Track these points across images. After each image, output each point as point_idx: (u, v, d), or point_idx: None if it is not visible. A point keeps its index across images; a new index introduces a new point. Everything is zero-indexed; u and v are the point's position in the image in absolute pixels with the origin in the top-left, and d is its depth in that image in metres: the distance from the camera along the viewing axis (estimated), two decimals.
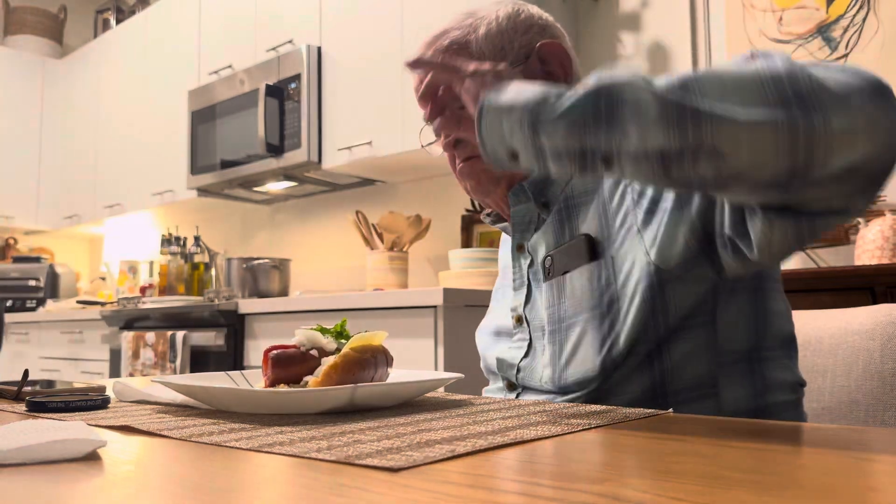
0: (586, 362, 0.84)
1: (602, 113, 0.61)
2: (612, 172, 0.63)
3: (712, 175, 0.59)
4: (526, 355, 0.94)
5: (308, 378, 0.76)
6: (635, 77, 0.61)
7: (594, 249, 0.87)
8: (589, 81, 0.63)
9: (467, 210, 2.93)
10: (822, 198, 0.61)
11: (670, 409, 0.75)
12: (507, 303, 1.01)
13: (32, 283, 4.23)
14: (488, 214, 1.05)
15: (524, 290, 0.96)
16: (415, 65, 0.81)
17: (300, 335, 0.80)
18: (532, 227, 0.97)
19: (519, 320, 0.96)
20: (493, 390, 1.02)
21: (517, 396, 0.95)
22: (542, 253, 0.94)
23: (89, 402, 0.75)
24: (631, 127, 0.59)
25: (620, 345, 0.82)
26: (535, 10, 0.99)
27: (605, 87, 0.61)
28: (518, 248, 0.98)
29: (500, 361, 0.98)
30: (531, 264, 0.96)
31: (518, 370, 0.94)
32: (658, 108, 0.58)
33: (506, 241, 1.09)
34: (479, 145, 0.69)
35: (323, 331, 0.81)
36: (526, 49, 0.95)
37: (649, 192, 0.83)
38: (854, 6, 2.03)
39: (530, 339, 0.94)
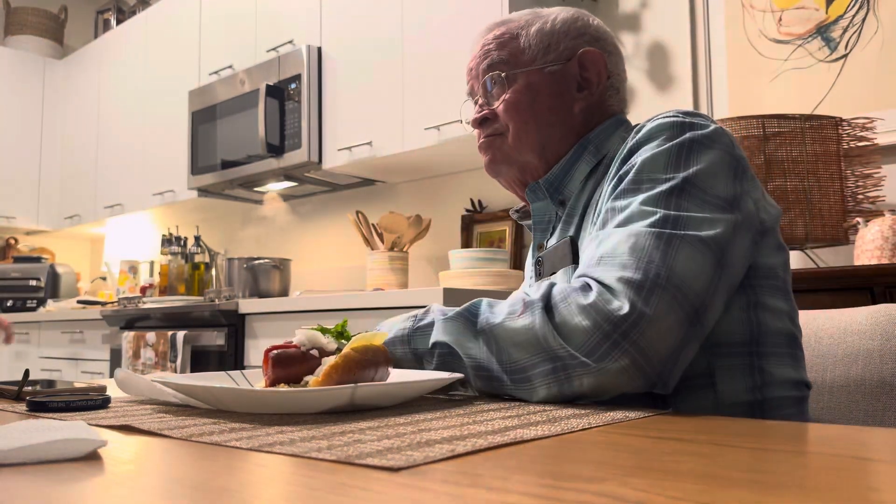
0: None
1: (449, 355, 0.85)
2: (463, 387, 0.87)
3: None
4: None
5: (308, 378, 0.76)
6: (460, 323, 0.84)
7: (575, 253, 0.93)
8: (435, 329, 0.86)
9: (467, 210, 2.93)
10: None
11: (670, 409, 0.75)
12: None
13: (33, 283, 4.23)
14: (517, 210, 1.13)
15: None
16: None
17: (300, 335, 0.80)
18: (551, 226, 1.03)
19: None
20: None
21: None
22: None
23: (90, 401, 0.75)
24: (471, 373, 0.83)
25: None
26: (595, 22, 1.06)
27: (437, 335, 0.85)
28: (539, 247, 1.04)
29: None
30: None
31: None
32: (474, 377, 0.82)
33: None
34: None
35: (323, 331, 0.81)
36: (570, 52, 1.02)
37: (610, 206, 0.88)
38: (854, 6, 2.03)
39: None
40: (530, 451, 0.49)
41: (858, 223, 1.75)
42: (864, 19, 2.02)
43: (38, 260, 4.40)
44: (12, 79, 4.50)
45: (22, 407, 0.77)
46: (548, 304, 0.77)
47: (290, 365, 0.77)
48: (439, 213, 3.03)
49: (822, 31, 2.08)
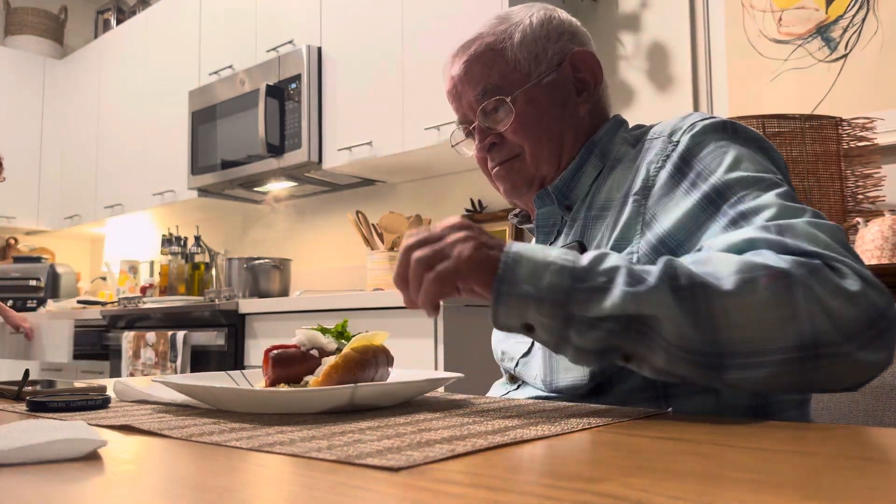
0: (576, 370, 0.84)
1: (633, 328, 0.66)
2: (631, 366, 0.70)
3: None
4: (527, 353, 0.95)
5: (308, 378, 0.76)
6: (663, 287, 0.65)
7: None
8: (619, 273, 0.67)
9: (467, 210, 2.93)
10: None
11: (670, 409, 0.75)
12: None
13: (33, 283, 4.23)
14: (515, 214, 1.10)
15: None
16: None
17: (300, 335, 0.80)
18: (555, 230, 1.01)
19: None
20: (500, 382, 1.04)
21: (517, 388, 0.97)
22: None
23: (90, 401, 0.75)
24: (659, 353, 0.66)
25: None
26: (564, 15, 1.03)
27: (637, 307, 0.65)
28: None
29: (503, 353, 1.01)
30: None
31: (517, 364, 0.96)
32: (687, 353, 0.65)
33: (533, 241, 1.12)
34: (492, 317, 0.70)
35: (323, 331, 0.81)
36: (559, 56, 0.99)
37: (660, 233, 0.83)
38: (854, 6, 2.03)
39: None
40: (530, 451, 0.49)
41: (858, 223, 1.75)
42: (864, 19, 2.02)
43: (38, 260, 4.40)
44: (12, 79, 4.50)
45: (22, 407, 0.77)
46: (800, 277, 0.64)
47: (290, 365, 0.77)
48: (439, 213, 3.03)
49: (822, 31, 2.08)
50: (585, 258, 0.69)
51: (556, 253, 0.69)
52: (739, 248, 0.71)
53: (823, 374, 0.64)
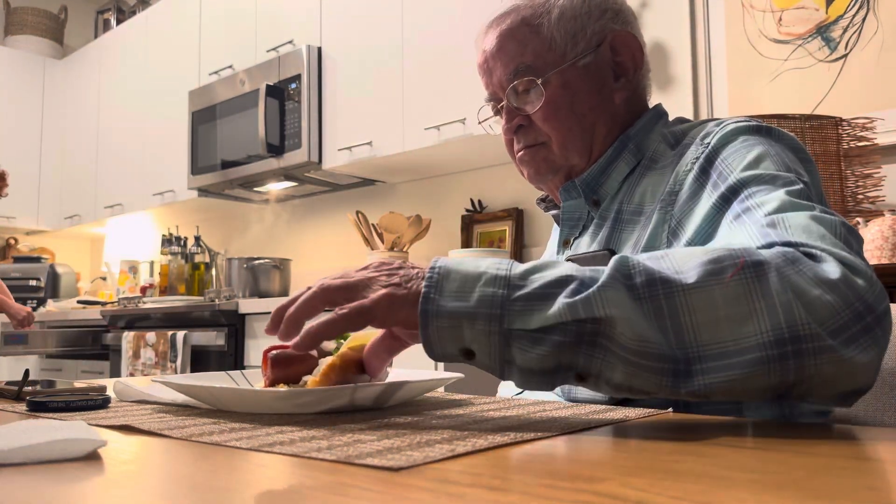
0: None
1: (586, 338, 0.57)
2: (587, 386, 0.60)
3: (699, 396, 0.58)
4: None
5: (307, 378, 0.76)
6: (616, 285, 0.57)
7: None
8: (567, 281, 0.58)
9: (467, 210, 2.93)
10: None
11: (670, 409, 0.74)
12: None
13: (33, 283, 4.23)
14: (542, 200, 1.05)
15: None
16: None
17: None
18: (581, 224, 0.96)
19: None
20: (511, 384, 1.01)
21: (521, 392, 0.94)
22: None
23: (90, 401, 0.75)
24: (617, 366, 0.57)
25: None
26: None
27: (588, 309, 0.56)
28: (564, 243, 0.98)
29: None
30: None
31: None
32: (648, 360, 0.56)
33: (556, 230, 1.08)
34: (424, 347, 0.61)
35: None
36: (598, 36, 0.93)
37: (683, 242, 0.79)
38: (854, 6, 2.03)
39: None
40: (530, 451, 0.49)
41: (858, 223, 1.75)
42: (864, 19, 2.02)
43: (38, 260, 4.41)
44: (12, 79, 4.50)
45: (22, 407, 0.77)
46: (775, 266, 0.57)
47: (289, 365, 0.77)
48: (439, 213, 3.03)
49: (822, 31, 2.08)
50: (523, 266, 0.61)
51: (490, 262, 0.61)
52: (723, 244, 0.67)
53: (808, 375, 0.55)
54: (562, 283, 0.58)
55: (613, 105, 0.94)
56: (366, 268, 0.66)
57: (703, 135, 0.85)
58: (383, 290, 0.62)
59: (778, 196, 0.70)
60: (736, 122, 0.84)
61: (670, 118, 1.00)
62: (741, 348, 0.55)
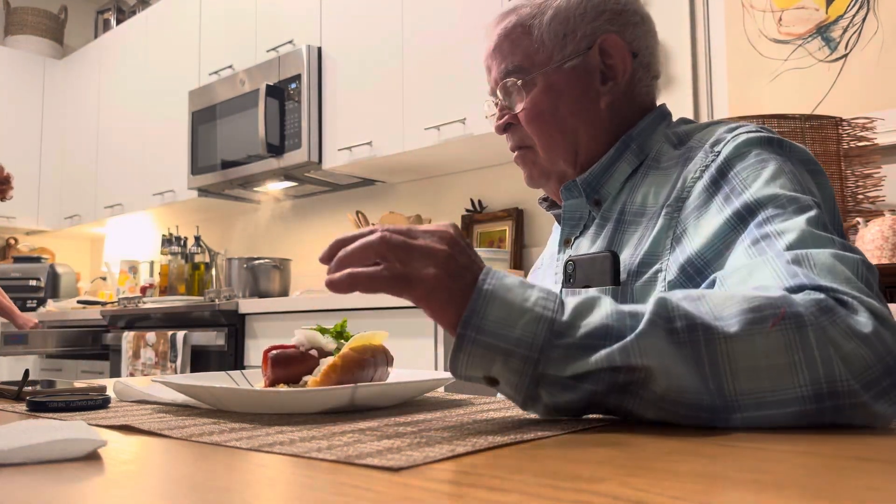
0: None
1: (618, 386, 0.58)
2: (615, 415, 0.62)
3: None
4: None
5: (307, 378, 0.76)
6: (655, 332, 0.57)
7: (617, 271, 0.83)
8: (610, 330, 0.58)
9: (467, 210, 2.93)
10: None
11: None
12: None
13: (33, 283, 4.23)
14: (544, 199, 1.05)
15: (560, 286, 0.93)
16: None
17: (300, 335, 0.80)
18: (582, 224, 0.96)
19: None
20: None
21: None
22: (580, 254, 0.92)
23: (90, 401, 0.75)
24: (649, 408, 0.58)
25: None
26: None
27: (625, 357, 0.56)
28: (565, 242, 0.98)
29: None
30: None
31: None
32: (684, 407, 0.57)
33: (557, 228, 1.07)
34: (450, 365, 0.60)
35: (322, 331, 0.81)
36: (588, 39, 0.92)
37: (689, 252, 0.78)
38: (854, 6, 2.03)
39: None
40: (530, 451, 0.49)
41: (858, 223, 1.75)
42: (864, 19, 2.02)
43: (38, 260, 4.40)
44: (12, 79, 4.50)
45: (22, 407, 0.77)
46: (814, 316, 0.58)
47: (289, 365, 0.77)
48: (439, 213, 3.03)
49: (822, 31, 2.08)
50: (570, 306, 0.60)
51: (537, 296, 0.59)
52: (745, 277, 0.67)
53: (838, 424, 0.57)
54: (605, 333, 0.58)
55: (598, 109, 0.93)
56: (434, 232, 0.63)
57: (713, 141, 0.84)
58: (434, 271, 0.60)
59: (797, 225, 0.70)
60: (748, 133, 0.83)
61: (672, 119, 0.99)
62: (780, 400, 0.56)
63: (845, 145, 1.84)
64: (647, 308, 0.58)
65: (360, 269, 0.60)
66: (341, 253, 0.62)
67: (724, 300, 0.59)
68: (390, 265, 0.60)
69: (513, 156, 1.00)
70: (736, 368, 0.56)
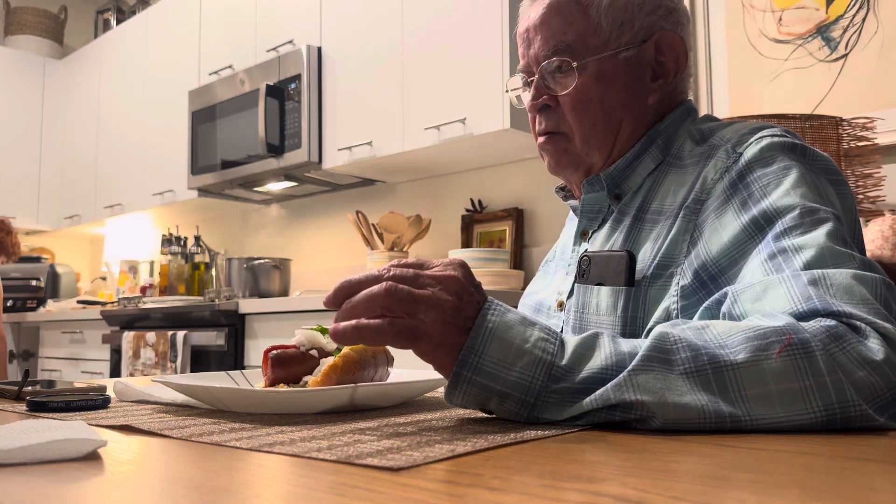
0: None
1: (617, 416, 0.58)
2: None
3: None
4: None
5: (308, 378, 0.76)
6: (649, 367, 0.57)
7: (632, 272, 0.82)
8: (607, 373, 0.58)
9: (467, 210, 2.93)
10: None
11: None
12: (556, 282, 0.98)
13: (33, 283, 4.23)
14: (561, 188, 1.03)
15: (572, 279, 0.93)
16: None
17: (300, 335, 0.80)
18: (600, 217, 0.94)
19: (560, 306, 0.94)
20: None
21: None
22: (596, 248, 0.91)
23: (90, 401, 0.75)
24: (654, 423, 0.57)
25: None
26: None
27: (619, 393, 0.56)
28: (582, 234, 0.96)
29: None
30: None
31: None
32: (686, 423, 0.56)
33: (572, 220, 1.06)
34: (445, 395, 0.61)
35: (323, 331, 0.81)
36: (645, 32, 0.89)
37: (704, 257, 0.77)
38: (854, 6, 2.03)
39: (562, 329, 0.91)
40: (530, 451, 0.49)
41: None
42: (864, 19, 2.02)
43: (38, 260, 4.40)
44: (12, 79, 4.50)
45: (22, 407, 0.77)
46: (822, 343, 0.57)
47: (289, 365, 0.77)
48: (439, 213, 3.03)
49: (822, 30, 2.08)
50: (570, 348, 0.60)
51: (538, 336, 0.59)
52: (759, 294, 0.66)
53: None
54: (603, 378, 0.58)
55: (645, 105, 0.91)
56: (442, 279, 0.61)
57: (735, 142, 0.82)
58: (441, 327, 0.60)
59: (816, 240, 0.68)
60: (772, 137, 0.81)
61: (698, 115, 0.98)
62: (794, 426, 0.56)
63: (845, 145, 1.84)
64: (644, 345, 0.58)
65: (366, 322, 0.60)
66: (346, 304, 0.62)
67: (729, 329, 0.59)
68: (396, 319, 0.60)
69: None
70: (746, 395, 0.56)
